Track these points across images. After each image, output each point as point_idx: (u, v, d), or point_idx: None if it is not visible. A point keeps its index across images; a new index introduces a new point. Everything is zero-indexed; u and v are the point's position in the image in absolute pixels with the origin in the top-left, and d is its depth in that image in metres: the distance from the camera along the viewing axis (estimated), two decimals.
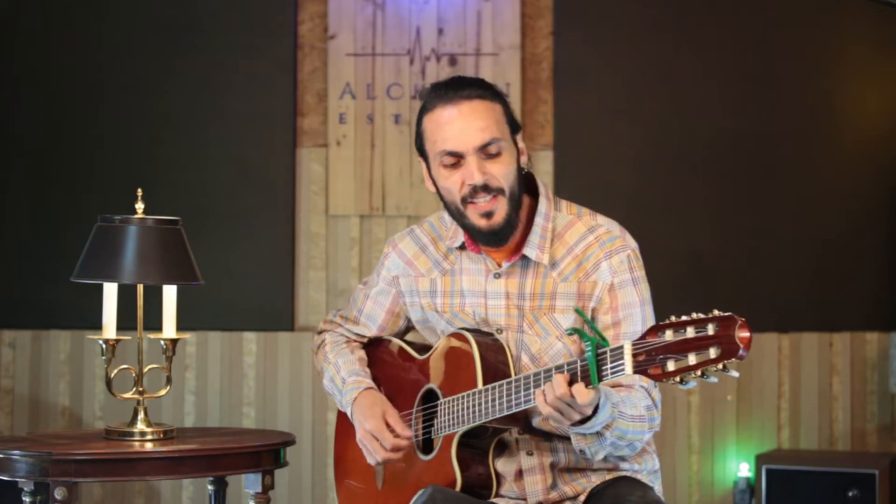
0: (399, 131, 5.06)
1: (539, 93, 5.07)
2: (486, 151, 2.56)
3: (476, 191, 2.56)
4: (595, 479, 2.64)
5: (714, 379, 2.15)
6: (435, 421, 2.64)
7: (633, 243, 2.65)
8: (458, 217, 2.63)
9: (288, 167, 5.09)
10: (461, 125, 2.56)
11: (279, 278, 5.08)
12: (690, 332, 2.15)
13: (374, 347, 2.89)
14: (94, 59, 5.13)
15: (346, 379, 2.79)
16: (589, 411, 2.36)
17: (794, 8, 5.12)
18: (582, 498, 2.62)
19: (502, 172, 2.57)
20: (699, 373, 2.13)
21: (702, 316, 2.15)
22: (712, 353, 2.12)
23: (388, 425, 2.66)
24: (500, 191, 2.57)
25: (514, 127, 2.63)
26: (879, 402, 5.10)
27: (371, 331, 2.88)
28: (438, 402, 2.63)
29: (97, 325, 3.16)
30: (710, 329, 2.13)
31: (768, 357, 5.05)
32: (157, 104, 5.10)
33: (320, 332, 2.97)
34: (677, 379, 2.16)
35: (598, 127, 5.04)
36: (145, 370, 3.20)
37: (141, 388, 3.18)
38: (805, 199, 5.10)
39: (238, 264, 5.06)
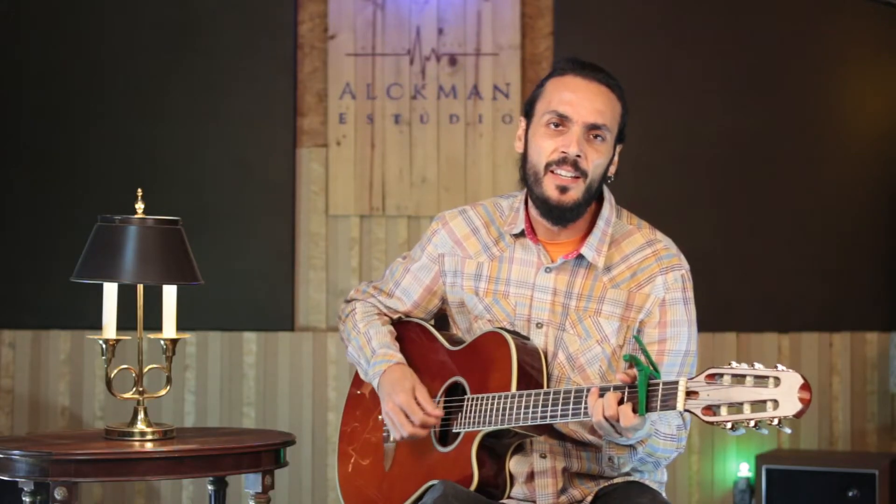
0: (399, 131, 5.06)
1: None
2: (592, 133, 2.56)
3: (565, 161, 2.55)
4: (603, 483, 2.64)
5: (765, 431, 2.16)
6: (458, 415, 2.60)
7: (686, 265, 2.67)
8: (534, 183, 2.60)
9: (288, 167, 5.09)
10: (584, 96, 2.56)
11: (279, 278, 5.07)
12: (749, 383, 2.16)
13: (403, 327, 2.81)
14: (94, 58, 5.13)
15: (376, 350, 2.72)
16: (630, 435, 2.37)
17: (794, 8, 5.11)
18: (589, 499, 2.62)
19: (595, 160, 2.57)
20: (752, 423, 2.15)
21: (763, 369, 2.16)
22: (769, 407, 2.14)
23: (416, 402, 2.61)
24: (585, 174, 2.56)
25: (621, 137, 2.62)
26: (879, 402, 5.09)
27: (405, 305, 2.81)
28: (466, 396, 2.59)
29: (97, 325, 3.16)
30: (771, 383, 2.14)
31: (768, 357, 5.04)
32: (157, 104, 5.10)
33: (349, 301, 2.89)
34: (728, 425, 2.17)
35: None
36: (145, 370, 3.20)
37: (141, 388, 3.18)
38: (805, 199, 5.10)
39: (238, 264, 5.06)
